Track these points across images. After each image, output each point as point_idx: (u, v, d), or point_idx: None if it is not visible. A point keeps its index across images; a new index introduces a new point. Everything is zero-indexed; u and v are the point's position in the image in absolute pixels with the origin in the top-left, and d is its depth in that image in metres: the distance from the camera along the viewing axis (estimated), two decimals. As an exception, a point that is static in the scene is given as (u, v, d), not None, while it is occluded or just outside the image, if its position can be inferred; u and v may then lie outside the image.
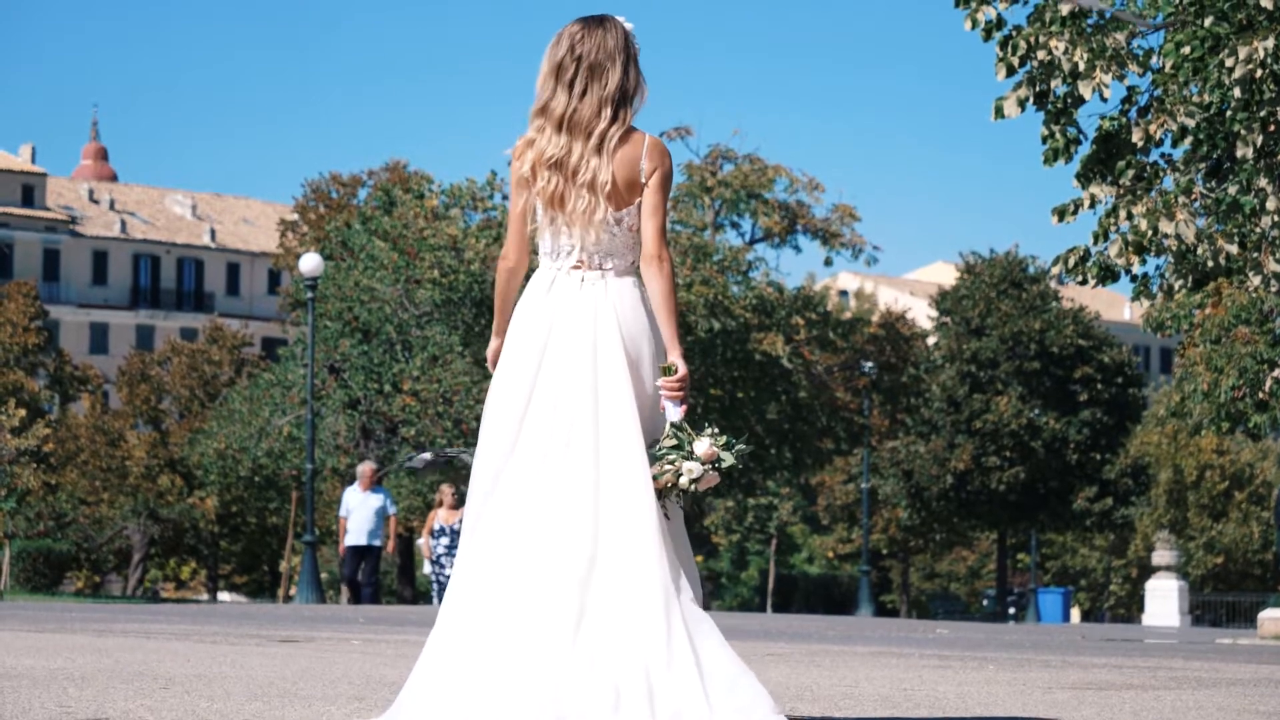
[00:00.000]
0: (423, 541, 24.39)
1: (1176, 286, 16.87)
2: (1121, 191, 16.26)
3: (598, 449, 5.47)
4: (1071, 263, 16.83)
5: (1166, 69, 15.93)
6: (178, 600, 51.20)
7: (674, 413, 5.50)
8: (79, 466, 57.78)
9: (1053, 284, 55.77)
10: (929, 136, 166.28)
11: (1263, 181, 15.87)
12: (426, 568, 24.62)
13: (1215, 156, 16.29)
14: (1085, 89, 15.68)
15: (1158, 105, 16.01)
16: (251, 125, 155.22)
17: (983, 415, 53.49)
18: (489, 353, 5.75)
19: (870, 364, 47.60)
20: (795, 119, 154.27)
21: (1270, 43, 15.14)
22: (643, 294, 5.63)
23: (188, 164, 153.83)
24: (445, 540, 23.80)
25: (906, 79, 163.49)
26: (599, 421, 5.48)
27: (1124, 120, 16.31)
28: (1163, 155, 16.54)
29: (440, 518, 24.10)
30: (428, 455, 26.72)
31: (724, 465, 5.46)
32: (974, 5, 16.19)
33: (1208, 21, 15.75)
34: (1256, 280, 16.56)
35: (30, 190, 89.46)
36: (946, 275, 79.23)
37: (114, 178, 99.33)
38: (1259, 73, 15.31)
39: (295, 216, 61.39)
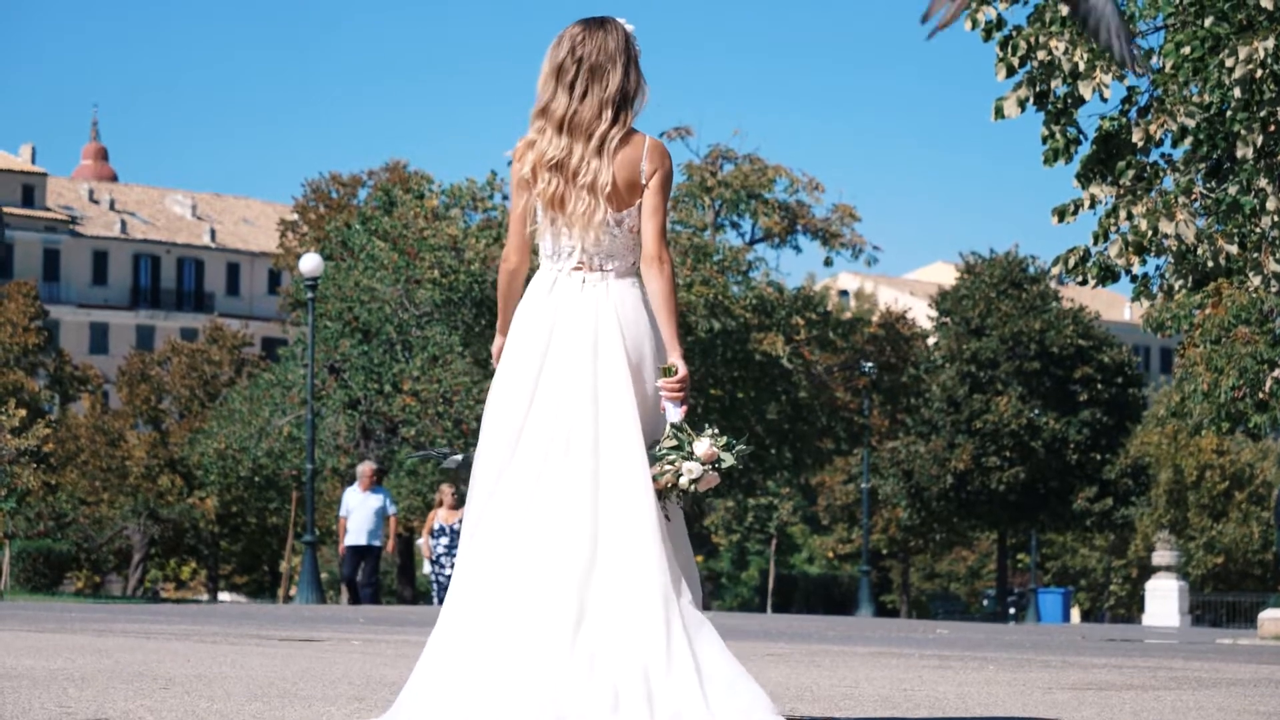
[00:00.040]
0: (422, 541, 24.40)
1: (1176, 287, 16.87)
2: (1121, 192, 16.26)
3: (598, 451, 5.47)
4: (1071, 263, 16.83)
5: (1167, 69, 15.93)
6: (178, 600, 51.19)
7: (674, 413, 5.51)
8: (79, 466, 57.78)
9: (1053, 284, 55.76)
10: (929, 136, 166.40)
11: (1263, 181, 15.87)
12: (426, 567, 24.63)
13: (1215, 157, 16.28)
14: (1085, 89, 15.68)
15: (1158, 105, 16.01)
16: (251, 125, 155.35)
17: (983, 415, 53.49)
18: (494, 349, 5.76)
19: (870, 364, 47.60)
20: (795, 119, 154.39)
21: (1270, 43, 15.14)
22: (644, 295, 5.63)
23: (188, 164, 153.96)
24: (445, 540, 23.81)
25: (906, 79, 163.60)
26: (600, 424, 5.49)
27: (1124, 120, 16.30)
28: (1163, 155, 16.54)
29: (440, 517, 24.11)
30: (459, 457, 26.74)
31: (724, 466, 5.47)
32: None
33: (1208, 22, 15.75)
34: (1257, 280, 16.56)
35: (30, 190, 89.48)
36: (946, 275, 79.24)
37: (114, 178, 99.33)
38: (1259, 73, 15.31)
39: (295, 216, 61.40)
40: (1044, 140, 16.35)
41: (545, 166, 5.62)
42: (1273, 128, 15.70)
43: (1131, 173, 16.25)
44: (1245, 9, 15.56)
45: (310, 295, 33.63)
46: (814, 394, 48.55)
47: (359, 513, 25.03)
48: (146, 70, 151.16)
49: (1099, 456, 54.16)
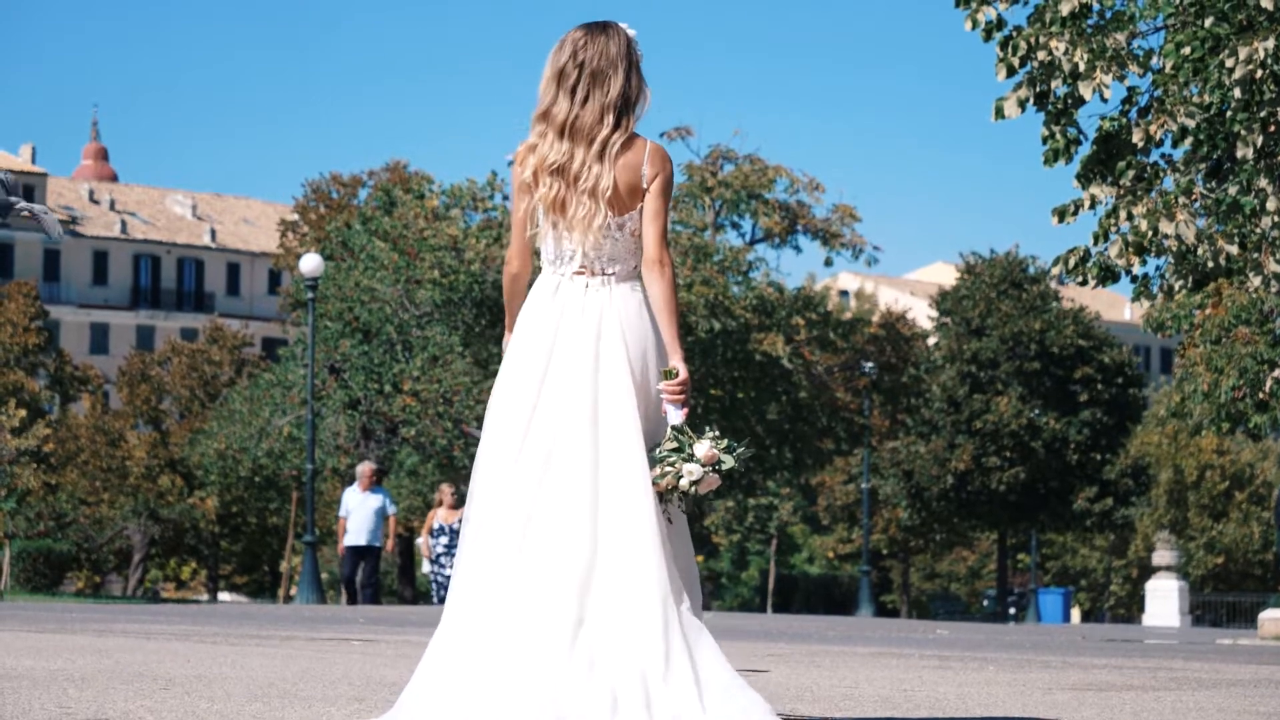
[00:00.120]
0: (422, 541, 24.40)
1: (1177, 287, 16.87)
2: (1122, 192, 16.26)
3: (600, 456, 5.49)
4: (1072, 263, 16.83)
5: (1167, 69, 15.93)
6: (178, 600, 51.22)
7: (675, 416, 5.53)
8: (79, 467, 57.80)
9: (1053, 284, 55.79)
10: (929, 136, 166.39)
11: (1263, 182, 15.87)
12: (426, 567, 24.64)
13: (1215, 157, 16.28)
14: (1085, 89, 15.68)
15: (1158, 106, 16.01)
16: (251, 125, 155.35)
17: (983, 415, 53.50)
18: (505, 346, 5.77)
19: (870, 364, 47.59)
20: (795, 119, 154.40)
21: (1270, 43, 15.14)
22: (645, 299, 5.65)
23: (188, 164, 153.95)
24: (444, 539, 23.81)
25: (906, 79, 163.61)
26: (601, 429, 5.50)
27: (1124, 121, 16.30)
28: (1163, 156, 16.54)
29: (440, 517, 24.11)
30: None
31: (724, 468, 5.48)
32: (974, 6, 16.19)
33: (1208, 22, 15.75)
34: (1257, 281, 16.55)
35: (30, 190, 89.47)
36: (947, 275, 79.25)
37: (114, 178, 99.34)
38: (1259, 73, 15.31)
39: (295, 216, 61.40)
40: (1044, 140, 16.35)
41: (546, 171, 5.62)
42: (1273, 128, 15.70)
43: (1132, 173, 16.25)
44: (1245, 9, 15.56)
45: (310, 295, 33.63)
46: (814, 394, 48.56)
47: (358, 513, 25.02)
48: (146, 70, 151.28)
49: (1099, 457, 54.17)
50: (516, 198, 5.70)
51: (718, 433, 5.53)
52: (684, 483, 5.47)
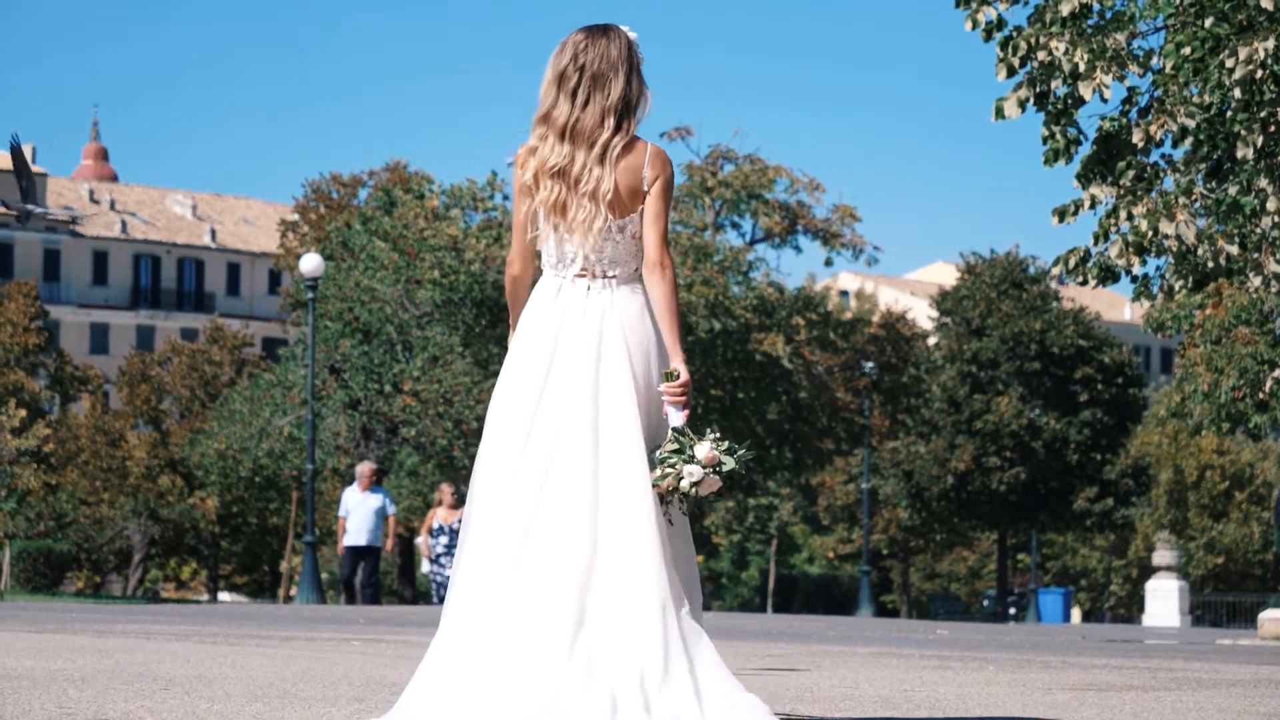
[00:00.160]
0: (422, 540, 24.40)
1: (1177, 287, 16.87)
2: (1122, 192, 16.26)
3: (600, 458, 5.49)
4: (1072, 263, 16.83)
5: (1167, 70, 15.93)
6: (178, 600, 51.21)
7: (676, 418, 5.53)
8: (79, 467, 57.79)
9: (1053, 284, 55.80)
10: (929, 136, 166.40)
11: (1263, 182, 15.87)
12: (425, 566, 24.64)
13: (1215, 157, 16.28)
14: (1085, 90, 15.68)
15: (1158, 106, 16.01)
16: (251, 125, 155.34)
17: (983, 416, 53.50)
18: (510, 344, 5.78)
19: (871, 364, 47.59)
20: (795, 119, 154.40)
21: (1270, 43, 15.14)
22: (647, 301, 5.65)
23: (188, 164, 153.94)
24: (444, 539, 23.81)
25: (906, 79, 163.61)
26: (602, 431, 5.51)
27: (1124, 121, 16.30)
28: (1163, 156, 16.54)
29: (439, 517, 24.10)
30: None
31: (725, 469, 5.48)
32: (974, 6, 16.19)
33: (1208, 22, 15.75)
34: (1257, 281, 16.55)
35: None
36: (947, 275, 79.26)
37: (114, 178, 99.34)
38: (1259, 73, 15.31)
39: (295, 216, 61.37)
40: (1044, 140, 16.35)
41: (547, 173, 5.62)
42: (1273, 128, 15.70)
43: (1132, 173, 16.25)
44: (1245, 9, 15.56)
45: (311, 295, 33.63)
46: (814, 394, 48.56)
47: (358, 513, 25.01)
48: (146, 70, 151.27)
49: (1099, 457, 54.17)
50: (517, 200, 5.70)
51: (718, 434, 5.53)
52: (685, 484, 5.47)
